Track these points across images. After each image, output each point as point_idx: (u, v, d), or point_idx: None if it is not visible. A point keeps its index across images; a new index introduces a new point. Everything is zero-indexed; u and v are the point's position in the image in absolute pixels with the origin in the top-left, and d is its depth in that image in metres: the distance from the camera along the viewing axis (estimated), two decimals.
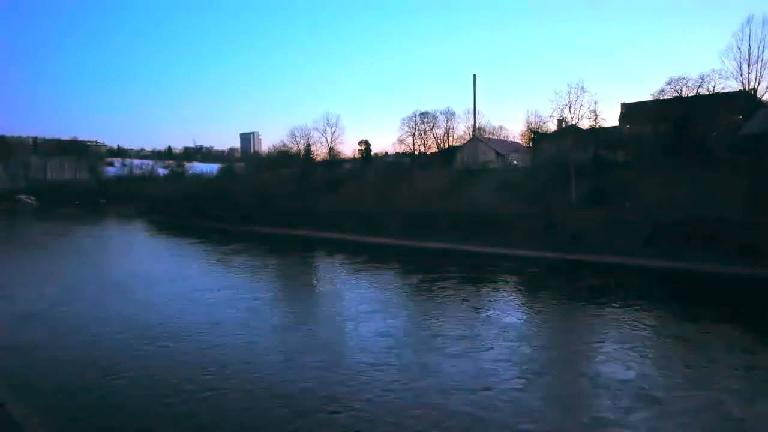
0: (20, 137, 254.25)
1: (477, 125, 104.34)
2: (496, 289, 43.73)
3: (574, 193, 65.51)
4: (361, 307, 37.59)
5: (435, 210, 71.16)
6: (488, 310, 36.91)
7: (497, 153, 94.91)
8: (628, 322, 33.02)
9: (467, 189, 74.86)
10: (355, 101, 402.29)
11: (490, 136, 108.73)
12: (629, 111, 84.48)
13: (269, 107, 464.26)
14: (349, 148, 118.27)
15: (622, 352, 27.36)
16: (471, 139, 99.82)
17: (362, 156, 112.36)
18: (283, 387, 23.21)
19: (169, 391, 22.77)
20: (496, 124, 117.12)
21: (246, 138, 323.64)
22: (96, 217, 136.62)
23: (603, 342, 29.57)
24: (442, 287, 44.39)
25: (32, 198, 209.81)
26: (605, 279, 46.57)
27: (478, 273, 51.41)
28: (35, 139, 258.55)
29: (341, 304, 39.41)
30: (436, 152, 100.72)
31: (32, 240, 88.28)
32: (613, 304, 37.55)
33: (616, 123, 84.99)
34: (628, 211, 58.55)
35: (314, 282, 51.27)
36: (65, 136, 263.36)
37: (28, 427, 18.95)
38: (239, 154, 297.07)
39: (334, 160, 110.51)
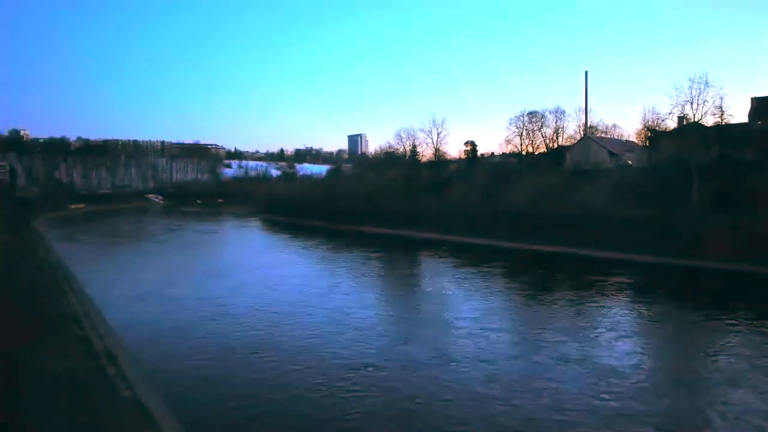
0: (150, 142, 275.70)
1: (588, 124, 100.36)
2: (611, 298, 42.00)
3: (696, 195, 61.14)
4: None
5: (543, 212, 69.35)
6: (621, 332, 33.04)
7: (610, 153, 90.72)
8: None
9: (577, 190, 72.21)
10: (461, 102, 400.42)
11: (603, 134, 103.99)
12: (760, 106, 77.59)
13: (377, 109, 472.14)
14: (454, 149, 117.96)
15: None
16: (582, 139, 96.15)
17: (468, 157, 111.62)
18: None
19: None
20: (608, 122, 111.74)
21: (353, 140, 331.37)
22: (215, 215, 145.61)
23: None
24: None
25: (160, 197, 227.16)
26: (737, 289, 43.60)
27: (594, 279, 49.37)
28: (163, 143, 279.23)
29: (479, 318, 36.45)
30: (544, 152, 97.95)
31: (163, 235, 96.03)
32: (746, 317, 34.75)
33: (744, 119, 78.29)
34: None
35: (430, 287, 49.78)
36: (189, 140, 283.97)
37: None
38: (347, 156, 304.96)
39: (439, 161, 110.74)
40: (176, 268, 57.10)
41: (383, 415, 20.97)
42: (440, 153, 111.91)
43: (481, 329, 32.54)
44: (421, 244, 75.99)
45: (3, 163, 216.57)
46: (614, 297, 42.25)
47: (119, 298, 41.76)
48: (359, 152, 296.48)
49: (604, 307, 38.98)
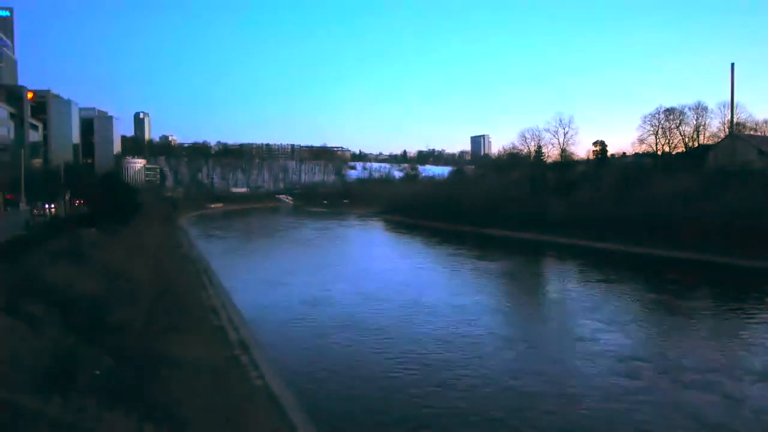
0: (281, 145, 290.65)
1: (735, 120, 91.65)
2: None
3: None
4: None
5: (682, 216, 64.13)
6: None
7: (760, 151, 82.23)
8: None
9: (722, 193, 66.10)
10: (589, 100, 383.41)
11: (752, 132, 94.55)
12: None
13: (500, 109, 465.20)
14: (582, 150, 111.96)
15: None
16: (727, 136, 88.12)
17: (597, 157, 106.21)
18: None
19: None
20: (759, 118, 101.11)
21: (476, 141, 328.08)
22: (340, 215, 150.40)
23: None
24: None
25: (289, 198, 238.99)
26: None
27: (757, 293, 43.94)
28: (293, 146, 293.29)
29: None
30: (683, 152, 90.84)
31: (293, 232, 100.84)
32: None
33: None
34: None
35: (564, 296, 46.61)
36: (316, 143, 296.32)
37: None
38: (469, 157, 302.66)
39: (566, 162, 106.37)
40: (306, 265, 59.58)
41: None
42: (567, 154, 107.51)
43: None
44: (545, 248, 73.74)
45: (154, 166, 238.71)
46: None
47: (254, 292, 44.25)
48: (482, 153, 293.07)
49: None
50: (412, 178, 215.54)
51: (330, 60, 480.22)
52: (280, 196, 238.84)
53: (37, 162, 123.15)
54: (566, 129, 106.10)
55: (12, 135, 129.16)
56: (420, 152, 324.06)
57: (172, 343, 23.81)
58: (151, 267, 47.21)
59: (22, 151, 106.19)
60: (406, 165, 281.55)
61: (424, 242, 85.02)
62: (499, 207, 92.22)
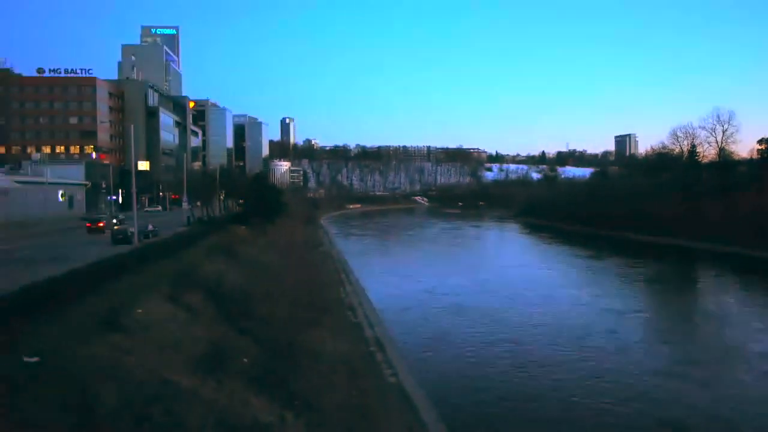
0: (417, 147, 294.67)
1: None
2: None
3: None
4: None
5: None
6: None
7: None
8: None
9: None
10: (753, 94, 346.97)
11: None
12: None
13: (647, 107, 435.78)
14: (744, 148, 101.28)
15: None
16: None
17: (763, 157, 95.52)
18: None
19: None
20: None
21: (621, 140, 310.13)
22: (475, 218, 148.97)
23: None
24: None
25: (425, 199, 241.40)
26: None
27: None
28: (428, 148, 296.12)
29: None
30: None
31: (425, 232, 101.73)
32: None
33: None
34: None
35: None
36: (452, 145, 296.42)
37: None
38: (613, 157, 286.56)
39: (725, 161, 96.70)
40: (444, 265, 59.78)
41: None
42: (726, 153, 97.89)
43: None
44: (702, 256, 67.50)
45: (298, 168, 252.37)
46: None
47: (390, 292, 44.99)
48: (627, 153, 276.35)
49: None
50: (550, 179, 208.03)
51: (466, 61, 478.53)
52: (416, 197, 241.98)
53: (197, 165, 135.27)
54: (725, 126, 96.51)
55: (177, 141, 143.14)
56: (559, 153, 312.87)
57: (312, 337, 24.98)
58: (294, 263, 49.91)
59: (185, 155, 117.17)
60: (544, 166, 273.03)
61: (567, 249, 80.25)
62: (646, 211, 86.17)
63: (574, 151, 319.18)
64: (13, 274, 25.64)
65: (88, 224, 51.64)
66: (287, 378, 18.70)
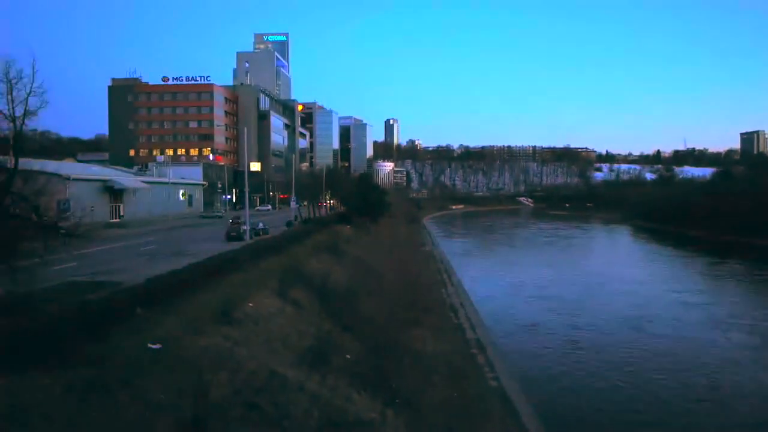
0: (522, 147, 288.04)
1: None
2: None
3: None
4: None
5: None
6: None
7: None
8: None
9: None
10: None
11: None
12: None
13: None
14: None
15: None
16: None
17: None
18: None
19: None
20: None
21: (747, 138, 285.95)
22: (584, 220, 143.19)
23: None
24: None
25: (530, 200, 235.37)
26: None
27: None
28: (534, 148, 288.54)
29: None
30: None
31: (532, 237, 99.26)
32: None
33: None
34: None
35: None
36: (559, 144, 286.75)
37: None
38: (738, 156, 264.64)
39: None
40: (547, 271, 57.68)
41: None
42: None
43: None
44: None
45: (401, 169, 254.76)
46: None
47: (491, 293, 44.43)
48: (755, 151, 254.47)
49: None
50: (666, 180, 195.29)
51: (574, 57, 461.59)
52: (521, 198, 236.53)
53: (304, 166, 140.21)
54: None
55: (286, 143, 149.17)
56: (676, 152, 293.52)
57: (413, 336, 25.11)
58: (396, 263, 50.39)
59: (293, 156, 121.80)
60: (659, 166, 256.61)
61: (703, 260, 72.64)
62: None
63: (693, 149, 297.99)
64: (139, 267, 27.89)
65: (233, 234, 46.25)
66: (389, 376, 18.91)
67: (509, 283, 49.40)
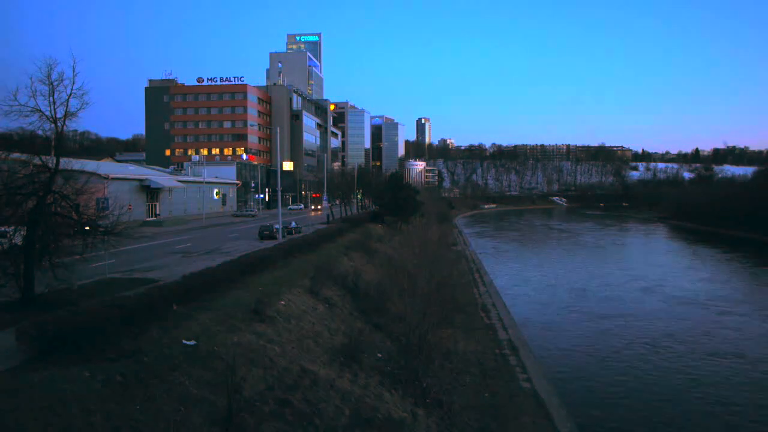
0: (555, 146, 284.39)
1: None
2: None
3: None
4: None
5: None
6: None
7: None
8: None
9: None
10: None
11: None
12: None
13: None
14: None
15: None
16: None
17: None
18: None
19: None
20: None
21: None
22: (619, 219, 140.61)
23: None
24: None
25: (563, 199, 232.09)
26: None
27: None
28: (568, 146, 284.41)
29: None
30: None
31: (563, 236, 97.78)
32: None
33: None
34: None
35: None
36: (594, 143, 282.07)
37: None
38: None
39: None
40: (577, 274, 56.75)
41: None
42: None
43: None
44: None
45: (433, 168, 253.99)
46: None
47: (523, 294, 43.96)
48: None
49: None
50: (705, 179, 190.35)
51: (610, 57, 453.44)
52: (554, 198, 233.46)
53: (336, 165, 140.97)
54: None
55: (318, 142, 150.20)
56: (716, 150, 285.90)
57: (445, 336, 25.00)
58: (428, 262, 50.15)
59: (326, 155, 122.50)
60: (697, 165, 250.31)
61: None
62: None
63: (734, 147, 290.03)
64: (175, 264, 28.44)
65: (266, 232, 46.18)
66: (419, 375, 18.88)
67: (553, 288, 47.45)
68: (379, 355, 20.40)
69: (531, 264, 62.54)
